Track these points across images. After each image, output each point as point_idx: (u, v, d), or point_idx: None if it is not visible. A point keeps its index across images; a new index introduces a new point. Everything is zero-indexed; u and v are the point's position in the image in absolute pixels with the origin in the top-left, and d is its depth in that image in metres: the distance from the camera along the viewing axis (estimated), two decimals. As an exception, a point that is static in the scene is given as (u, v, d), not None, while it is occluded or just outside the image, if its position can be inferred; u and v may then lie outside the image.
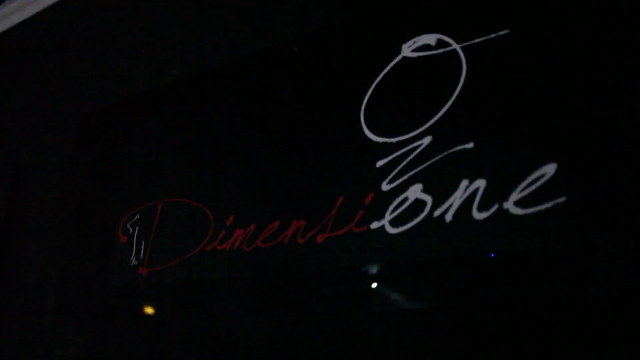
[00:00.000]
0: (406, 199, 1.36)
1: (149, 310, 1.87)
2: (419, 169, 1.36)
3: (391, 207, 1.38)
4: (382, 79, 1.49)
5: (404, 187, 1.37)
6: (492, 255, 1.22)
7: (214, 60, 1.95)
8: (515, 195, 1.21)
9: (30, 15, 2.72)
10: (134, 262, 1.91)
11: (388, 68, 1.49)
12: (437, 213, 1.31)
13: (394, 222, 1.36)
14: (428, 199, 1.33)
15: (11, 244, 2.36)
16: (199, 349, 1.66)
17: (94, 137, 2.20)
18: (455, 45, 1.39)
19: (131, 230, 1.97)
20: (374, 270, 1.38)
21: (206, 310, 1.69)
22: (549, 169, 1.19)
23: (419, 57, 1.45)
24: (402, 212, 1.36)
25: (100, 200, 2.10)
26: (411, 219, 1.34)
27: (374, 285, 1.37)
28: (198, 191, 1.82)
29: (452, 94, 1.36)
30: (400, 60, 1.48)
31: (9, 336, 2.22)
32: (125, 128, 2.13)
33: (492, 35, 1.34)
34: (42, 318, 2.09)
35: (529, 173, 1.20)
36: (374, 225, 1.39)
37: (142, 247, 1.89)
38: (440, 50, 1.42)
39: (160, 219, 1.89)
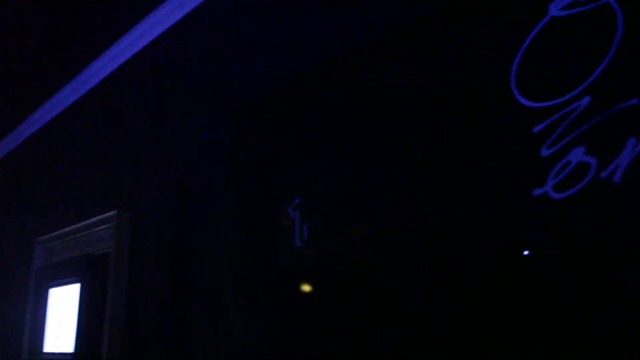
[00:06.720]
0: (568, 162, 1.33)
1: (312, 289, 1.99)
2: (579, 131, 1.33)
3: (553, 172, 1.36)
4: (530, 42, 1.46)
5: (564, 151, 1.34)
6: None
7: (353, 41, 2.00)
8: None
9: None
10: (298, 244, 2.04)
11: (536, 30, 1.45)
12: (603, 175, 1.27)
13: (557, 188, 1.34)
14: (592, 160, 1.29)
15: (185, 232, 2.60)
16: (364, 327, 1.75)
17: (251, 127, 2.35)
18: (609, -3, 1.32)
19: (292, 214, 2.09)
20: (539, 238, 1.38)
21: (369, 288, 1.77)
22: None
23: (568, 15, 1.40)
24: (565, 177, 1.33)
25: (262, 187, 2.25)
26: (576, 184, 1.31)
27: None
28: (356, 173, 1.89)
29: (609, 50, 1.30)
30: (549, 21, 1.43)
31: (193, 316, 2.45)
32: (281, 116, 2.25)
33: (650, -18, 1.26)
34: (221, 299, 2.29)
35: None
36: (536, 192, 1.38)
37: (306, 229, 2.01)
38: (592, 5, 1.36)
39: (320, 201, 2.00)
